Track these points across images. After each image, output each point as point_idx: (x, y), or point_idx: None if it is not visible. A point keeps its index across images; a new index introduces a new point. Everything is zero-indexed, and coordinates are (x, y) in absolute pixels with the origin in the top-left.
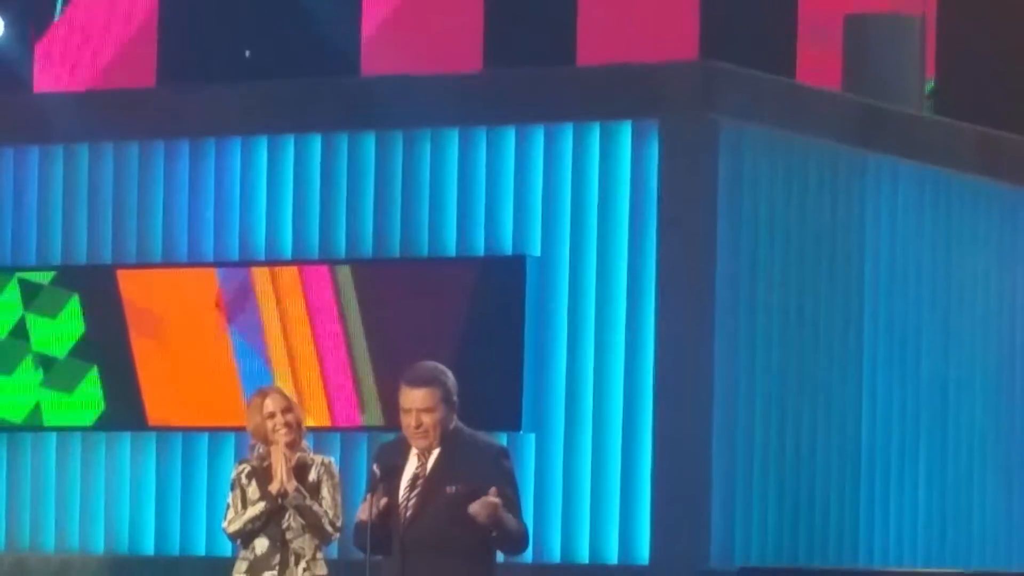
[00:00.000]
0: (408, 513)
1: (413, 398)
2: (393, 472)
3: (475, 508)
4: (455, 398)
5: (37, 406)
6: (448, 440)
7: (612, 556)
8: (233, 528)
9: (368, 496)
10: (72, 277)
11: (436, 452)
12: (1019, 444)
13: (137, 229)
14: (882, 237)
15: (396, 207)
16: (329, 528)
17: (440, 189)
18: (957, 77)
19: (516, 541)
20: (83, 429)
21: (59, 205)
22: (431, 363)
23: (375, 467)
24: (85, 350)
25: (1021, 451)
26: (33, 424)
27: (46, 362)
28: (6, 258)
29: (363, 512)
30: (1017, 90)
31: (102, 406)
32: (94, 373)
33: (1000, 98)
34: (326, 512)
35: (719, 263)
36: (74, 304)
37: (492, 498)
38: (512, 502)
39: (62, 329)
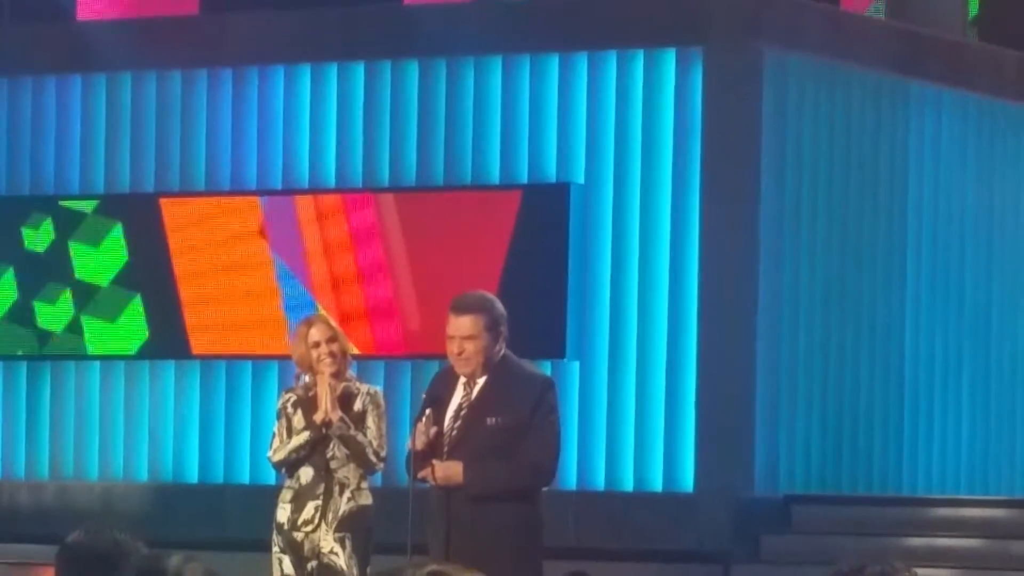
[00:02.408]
0: (451, 440)
1: (457, 325)
2: (439, 401)
3: (424, 475)
4: (502, 328)
5: (81, 334)
6: (494, 370)
7: (657, 484)
8: (278, 457)
9: (419, 424)
10: (115, 205)
11: (482, 381)
12: None
13: (180, 158)
14: (925, 164)
15: (440, 135)
16: (373, 458)
17: (484, 117)
18: (1000, 3)
19: (502, 487)
20: (126, 358)
21: (102, 134)
22: (480, 292)
23: (424, 395)
24: (128, 279)
25: None
26: (77, 352)
27: (89, 291)
28: (48, 186)
29: (413, 441)
30: None
31: (145, 335)
32: (137, 302)
33: None
34: (370, 442)
35: (763, 191)
36: (117, 232)
37: (446, 468)
38: (542, 436)
39: (105, 258)
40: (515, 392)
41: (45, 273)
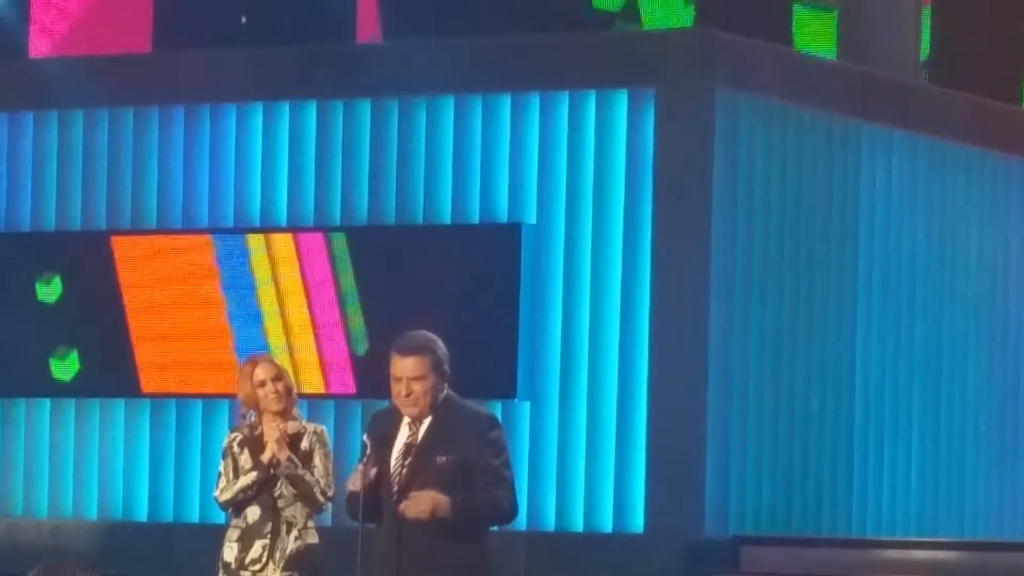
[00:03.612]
0: (400, 482)
1: (404, 366)
2: (384, 441)
3: (404, 508)
4: (446, 367)
5: (30, 372)
6: (439, 409)
7: (607, 525)
8: (225, 497)
9: (359, 466)
10: (63, 245)
11: (427, 421)
12: (1011, 413)
13: (132, 195)
14: (876, 205)
15: (391, 174)
16: (320, 497)
17: (435, 156)
18: (951, 46)
19: (484, 518)
20: (78, 395)
21: (54, 171)
22: (422, 332)
23: (365, 437)
24: (78, 317)
25: (1013, 420)
26: (26, 391)
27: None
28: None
29: (353, 483)
30: (1010, 59)
31: (97, 373)
32: (89, 339)
33: (993, 67)
34: (317, 481)
35: (714, 231)
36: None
37: (421, 502)
38: (499, 472)
39: (54, 296)
40: (462, 430)
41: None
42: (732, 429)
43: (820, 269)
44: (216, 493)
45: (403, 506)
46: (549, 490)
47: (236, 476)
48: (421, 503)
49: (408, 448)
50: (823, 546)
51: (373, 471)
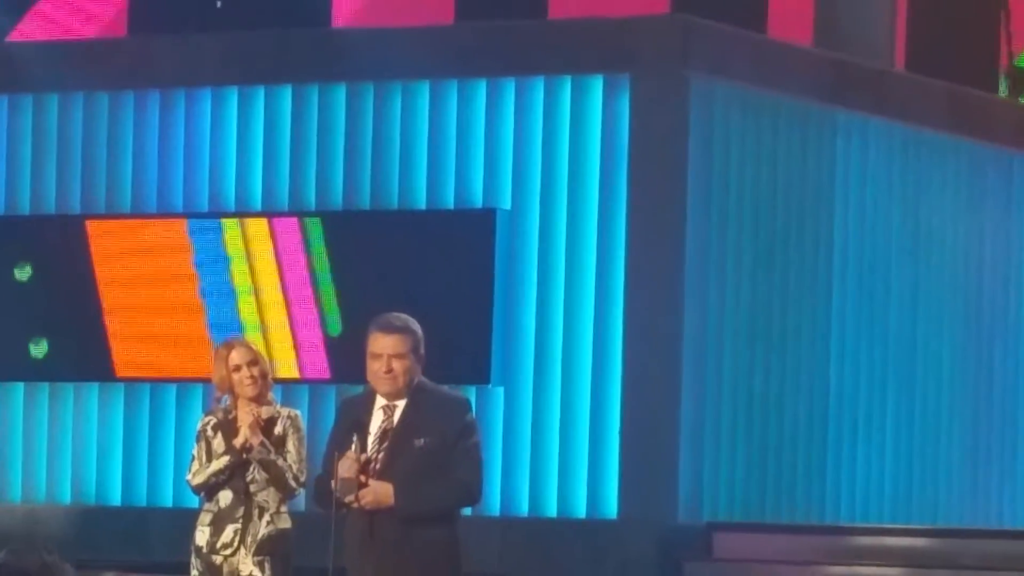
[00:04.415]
0: (377, 466)
1: (385, 343)
2: (359, 427)
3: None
4: (422, 351)
5: (8, 354)
6: (414, 394)
7: (580, 510)
8: (197, 481)
9: (349, 452)
10: (38, 229)
11: (401, 404)
12: (985, 398)
13: (106, 179)
14: (851, 193)
15: (366, 159)
16: (292, 483)
17: (410, 141)
18: (926, 33)
19: (452, 501)
20: (51, 379)
21: (28, 155)
22: (402, 314)
23: (341, 424)
24: (53, 300)
25: (987, 405)
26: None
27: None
28: None
29: (348, 469)
30: (986, 46)
31: (70, 356)
32: (62, 323)
33: (969, 54)
34: (290, 466)
35: (689, 218)
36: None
37: (376, 491)
38: (471, 455)
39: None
40: (439, 413)
41: None
42: (706, 415)
43: (795, 256)
44: (188, 476)
45: (349, 498)
46: (523, 476)
47: (209, 460)
48: (366, 495)
49: (385, 433)
50: (796, 533)
51: (363, 456)
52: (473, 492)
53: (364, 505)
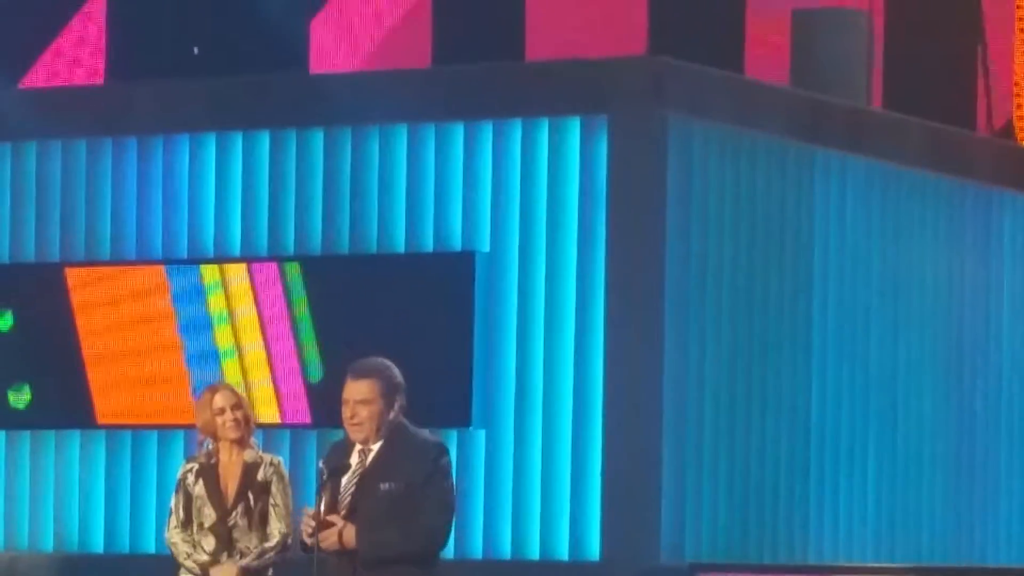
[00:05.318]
0: (346, 508)
1: (351, 390)
2: (339, 471)
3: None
4: (398, 395)
5: None
6: (388, 436)
7: (563, 552)
8: (172, 548)
9: (307, 514)
10: (17, 277)
11: (376, 447)
12: (967, 437)
13: (85, 226)
14: (830, 231)
15: (345, 204)
16: (282, 543)
17: (389, 186)
18: (903, 71)
19: (403, 544)
20: (32, 427)
21: (7, 202)
22: (378, 358)
23: (322, 464)
24: (34, 348)
25: (970, 444)
26: None
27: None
28: None
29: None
30: (962, 84)
31: (51, 404)
32: (42, 371)
33: (945, 92)
34: (274, 546)
35: (668, 258)
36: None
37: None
38: (443, 500)
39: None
40: (409, 458)
41: None
42: (688, 455)
43: (775, 295)
44: (167, 534)
45: (311, 541)
46: (504, 518)
47: (188, 510)
48: (328, 536)
49: (355, 475)
50: (779, 572)
51: (320, 516)
52: (437, 537)
53: (325, 548)
